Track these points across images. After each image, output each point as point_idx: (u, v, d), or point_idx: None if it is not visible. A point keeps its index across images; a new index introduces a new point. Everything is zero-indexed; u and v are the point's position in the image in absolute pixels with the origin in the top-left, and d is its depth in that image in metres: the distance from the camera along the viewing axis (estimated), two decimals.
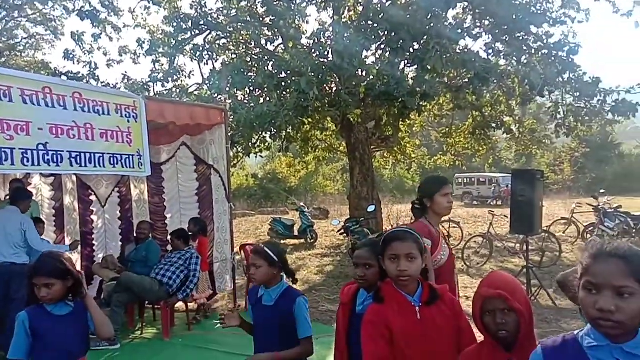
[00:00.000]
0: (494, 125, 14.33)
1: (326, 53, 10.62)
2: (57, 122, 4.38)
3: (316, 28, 11.10)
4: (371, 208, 11.60)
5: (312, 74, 9.44)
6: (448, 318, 2.09)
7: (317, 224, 15.58)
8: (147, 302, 6.37)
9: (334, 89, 11.26)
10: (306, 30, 12.79)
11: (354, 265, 2.56)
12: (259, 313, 2.73)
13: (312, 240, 13.46)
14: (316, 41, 10.73)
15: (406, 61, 10.59)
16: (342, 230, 12.47)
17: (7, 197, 6.66)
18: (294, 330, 2.63)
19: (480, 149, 15.92)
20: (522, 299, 1.82)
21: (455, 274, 3.13)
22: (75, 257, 8.29)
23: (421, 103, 10.34)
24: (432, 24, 9.93)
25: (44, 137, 4.26)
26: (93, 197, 8.02)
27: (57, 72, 12.51)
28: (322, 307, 7.00)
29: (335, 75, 10.63)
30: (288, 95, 10.61)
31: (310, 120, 12.23)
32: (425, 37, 9.90)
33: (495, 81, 11.16)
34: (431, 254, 2.73)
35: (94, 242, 7.97)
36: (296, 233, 14.01)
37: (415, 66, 10.44)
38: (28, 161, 4.15)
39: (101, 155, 4.78)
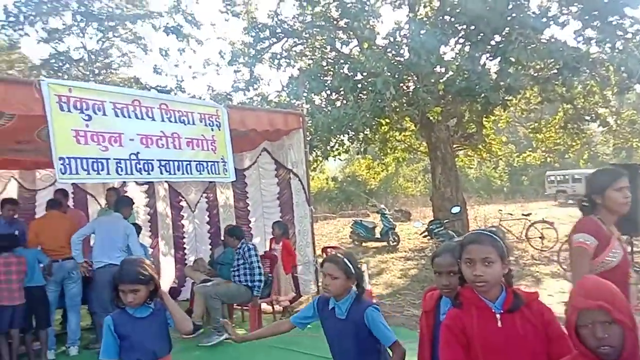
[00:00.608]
0: (587, 117, 13.34)
1: (402, 52, 10.45)
2: (147, 133, 4.65)
3: (391, 27, 10.92)
4: (455, 209, 11.22)
5: (388, 74, 9.32)
6: (534, 327, 1.91)
7: (398, 226, 15.34)
8: (235, 304, 6.59)
9: (412, 87, 11.04)
10: (380, 31, 12.73)
11: (436, 274, 2.41)
12: (331, 325, 2.66)
13: (394, 243, 13.25)
14: (391, 40, 10.60)
15: (487, 54, 10.16)
16: (426, 233, 12.17)
17: (106, 205, 7.21)
18: (370, 339, 2.56)
19: (574, 143, 14.89)
20: (624, 308, 1.62)
21: (629, 281, 2.69)
22: (170, 260, 8.82)
23: (506, 97, 9.87)
24: (514, 14, 9.43)
25: (135, 147, 4.54)
26: (183, 203, 8.48)
27: (147, 86, 13.38)
28: (407, 311, 6.84)
29: (412, 74, 10.43)
30: (364, 96, 10.57)
31: (388, 120, 12.08)
32: (507, 29, 9.44)
33: (587, 70, 10.39)
34: (596, 255, 2.50)
35: (185, 245, 8.42)
36: (378, 235, 13.87)
37: (498, 59, 9.97)
38: (122, 170, 4.44)
39: (188, 162, 5.02)
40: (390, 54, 10.48)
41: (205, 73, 26.89)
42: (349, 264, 2.61)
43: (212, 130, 5.29)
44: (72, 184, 8.64)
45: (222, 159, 5.35)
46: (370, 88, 9.67)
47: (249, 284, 5.98)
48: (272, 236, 6.83)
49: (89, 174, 4.17)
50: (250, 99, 13.35)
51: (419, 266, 10.40)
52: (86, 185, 9.13)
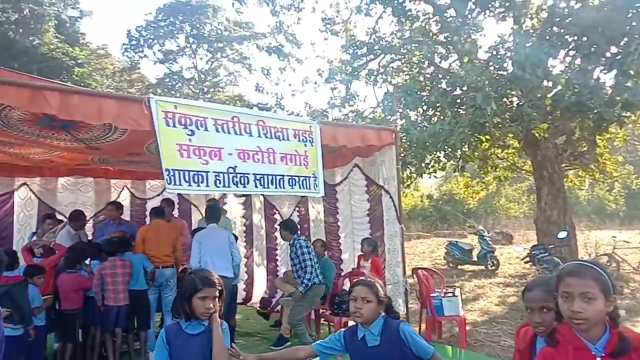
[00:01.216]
0: None
1: (505, 65, 9.96)
2: (244, 148, 4.84)
3: (494, 40, 10.47)
4: (562, 234, 10.38)
5: (490, 89, 8.91)
6: None
7: (498, 249, 14.51)
8: (322, 319, 6.61)
9: (515, 102, 10.47)
10: (482, 44, 12.26)
11: (527, 310, 2.19)
12: (364, 356, 2.52)
13: (493, 267, 12.53)
14: (494, 54, 10.15)
15: (601, 67, 9.33)
16: (527, 258, 11.37)
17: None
18: (412, 356, 2.44)
19: None
20: None
21: None
22: (262, 271, 9.09)
23: (622, 114, 9.00)
24: (633, 23, 8.60)
25: (233, 161, 4.74)
26: (277, 216, 8.70)
27: (250, 104, 14.03)
28: (503, 341, 6.41)
29: (516, 88, 9.89)
30: (463, 112, 10.20)
31: (488, 137, 11.53)
32: (625, 39, 8.62)
33: None
34: None
35: (277, 257, 8.61)
36: (475, 258, 13.22)
37: (614, 72, 9.12)
38: (220, 183, 4.64)
39: (281, 177, 5.14)
40: (492, 68, 10.03)
41: (303, 90, 27.65)
42: (379, 288, 2.55)
43: (305, 145, 5.37)
44: (178, 194, 9.29)
45: (313, 174, 5.41)
46: (469, 103, 9.29)
47: (299, 279, 5.97)
48: (360, 253, 6.75)
49: (190, 185, 4.41)
50: (346, 115, 13.48)
51: (519, 294, 9.70)
52: (190, 196, 9.74)
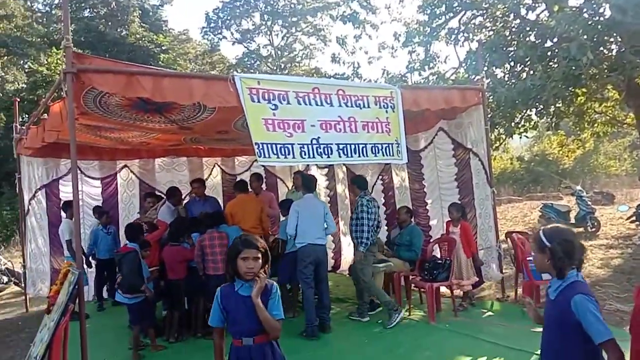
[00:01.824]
0: None
1: (602, 10, 9.06)
2: (326, 119, 4.87)
3: None
4: None
5: (584, 37, 8.17)
6: None
7: (598, 210, 13.53)
8: (413, 285, 6.59)
9: (615, 50, 9.53)
10: None
11: None
12: (546, 305, 2.44)
13: (593, 229, 11.72)
14: None
15: None
16: (634, 218, 10.52)
17: (293, 187, 7.80)
18: (576, 329, 2.20)
19: None
20: None
21: None
22: (349, 240, 9.20)
23: None
24: None
25: (316, 132, 4.79)
26: None
27: (327, 75, 14.01)
28: (609, 305, 6.02)
29: (615, 35, 8.99)
30: (555, 65, 9.47)
31: (584, 90, 10.64)
32: None
33: None
34: None
35: None
36: (572, 221, 12.42)
37: None
38: (305, 154, 4.72)
39: (364, 145, 5.12)
40: (586, 15, 9.17)
41: (380, 57, 27.21)
42: (542, 236, 2.34)
43: (387, 112, 5.29)
44: (264, 168, 9.60)
45: (396, 140, 5.33)
46: (562, 55, 8.59)
47: (357, 240, 5.92)
48: (448, 219, 6.59)
49: (278, 157, 4.54)
50: (426, 78, 13.02)
51: (625, 255, 9.04)
52: (275, 170, 10.03)
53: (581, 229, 12.02)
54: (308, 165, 9.43)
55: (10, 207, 18.09)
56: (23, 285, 8.26)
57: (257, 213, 6.41)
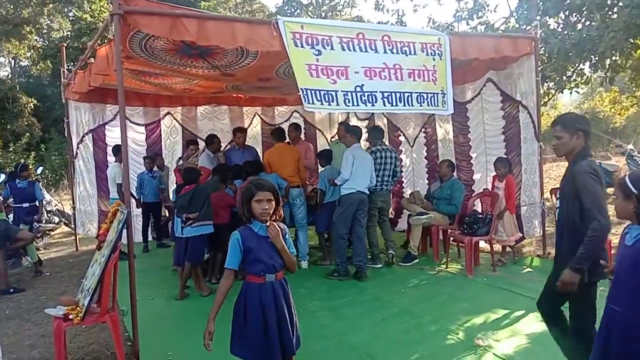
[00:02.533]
0: None
1: None
2: (370, 65, 4.73)
3: None
4: None
5: None
6: None
7: None
8: (451, 239, 6.54)
9: None
10: None
11: None
12: (618, 251, 2.36)
13: None
14: None
15: None
16: None
17: (335, 138, 7.76)
18: None
19: None
20: None
21: None
22: (384, 198, 9.15)
23: None
24: None
25: (360, 79, 4.67)
26: (402, 138, 8.58)
27: (369, 23, 13.53)
28: None
29: None
30: (615, 14, 8.84)
31: None
32: None
33: None
34: None
35: (403, 179, 8.58)
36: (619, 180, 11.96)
37: None
38: (349, 102, 4.63)
39: (409, 94, 4.97)
40: None
41: (426, 5, 25.93)
42: (628, 182, 2.27)
43: (434, 59, 5.10)
44: (304, 119, 9.56)
45: (442, 90, 5.16)
46: (623, 2, 8.00)
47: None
48: (494, 174, 6.43)
49: (322, 104, 4.47)
50: (474, 28, 12.44)
51: None
52: (315, 121, 9.99)
53: None
54: (348, 115, 9.33)
55: (58, 153, 18.80)
56: (73, 225, 8.69)
57: (294, 162, 6.43)
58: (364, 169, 5.85)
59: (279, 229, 2.67)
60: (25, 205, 7.19)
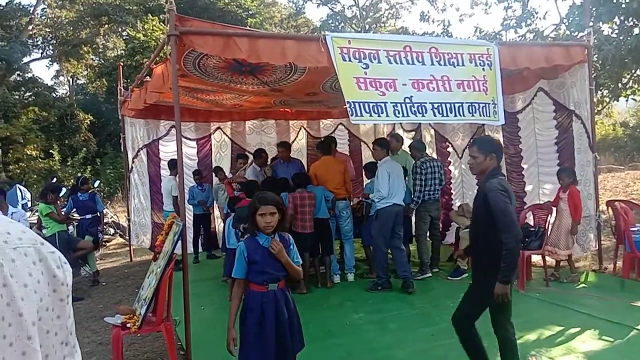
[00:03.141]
0: None
1: None
2: (418, 77, 4.74)
3: None
4: None
5: None
6: None
7: None
8: None
9: None
10: None
11: None
12: None
13: None
14: None
15: None
16: None
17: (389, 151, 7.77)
18: None
19: None
20: None
21: None
22: (437, 205, 9.04)
23: None
24: None
25: (409, 91, 4.68)
26: (450, 149, 8.47)
27: (415, 35, 13.50)
28: None
29: None
30: None
31: None
32: None
33: None
34: None
35: (452, 190, 8.47)
36: None
37: None
38: (399, 113, 4.65)
39: (460, 104, 4.93)
40: None
41: (472, 14, 25.61)
42: None
43: (484, 70, 5.04)
44: (348, 132, 9.62)
45: (492, 100, 5.09)
46: None
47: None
48: (547, 185, 6.22)
49: (371, 115, 4.52)
50: (522, 36, 12.20)
51: None
52: (360, 133, 10.02)
53: None
54: (394, 127, 9.31)
55: (112, 167, 19.62)
56: (127, 237, 9.04)
57: (340, 174, 6.48)
58: (399, 182, 5.88)
59: (281, 244, 2.76)
60: (88, 217, 7.54)
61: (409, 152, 7.00)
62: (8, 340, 0.87)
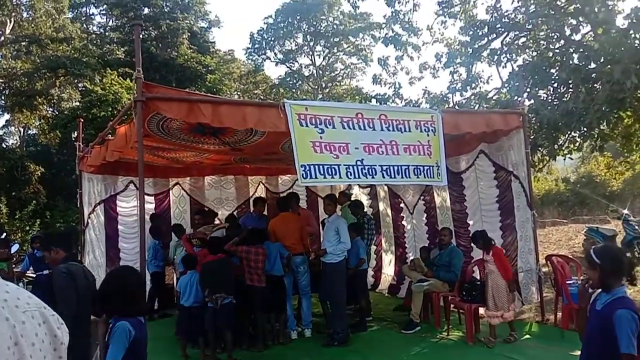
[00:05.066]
0: None
1: None
2: (369, 142, 5.13)
3: (634, 5, 9.47)
4: None
5: (628, 60, 8.14)
6: None
7: None
8: (452, 306, 6.66)
9: None
10: (622, 9, 11.09)
11: None
12: (590, 315, 2.68)
13: None
14: (634, 21, 9.19)
15: None
16: None
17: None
18: (615, 340, 2.44)
19: None
20: None
21: None
22: (390, 258, 9.34)
23: None
24: None
25: (360, 154, 5.05)
26: (402, 205, 8.89)
27: (368, 95, 14.21)
28: None
29: None
30: (599, 87, 9.43)
31: (629, 113, 10.48)
32: None
33: None
34: None
35: (405, 244, 8.81)
36: (619, 245, 12.10)
37: None
38: (351, 174, 4.99)
39: (407, 167, 5.34)
40: (632, 37, 9.11)
41: (421, 77, 26.82)
42: (592, 254, 2.63)
43: (428, 135, 5.50)
44: (306, 188, 9.91)
45: (436, 163, 5.52)
46: (605, 78, 8.57)
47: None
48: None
49: (325, 177, 4.83)
50: (468, 98, 13.07)
51: None
52: (317, 189, 10.33)
53: (628, 255, 11.68)
54: (350, 185, 9.68)
55: (63, 220, 18.99)
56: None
57: (297, 230, 6.66)
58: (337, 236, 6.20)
59: None
60: (45, 272, 7.36)
61: (349, 210, 7.34)
62: None
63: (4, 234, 12.38)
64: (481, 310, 6.41)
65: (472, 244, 7.36)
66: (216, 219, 8.71)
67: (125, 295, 2.72)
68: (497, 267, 5.85)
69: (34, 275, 7.38)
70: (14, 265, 6.84)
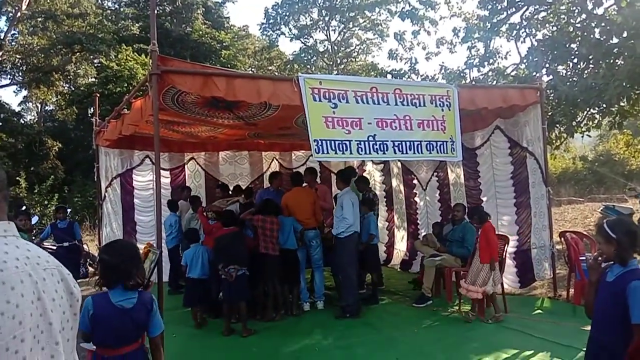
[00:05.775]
0: None
1: None
2: (382, 117, 5.11)
3: None
4: None
5: None
6: None
7: None
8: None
9: None
10: None
11: None
12: (600, 287, 2.66)
13: None
14: None
15: None
16: None
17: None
18: (626, 311, 2.44)
19: None
20: None
21: None
22: (402, 234, 9.39)
23: None
24: None
25: (373, 130, 5.04)
26: (415, 181, 8.89)
27: (383, 71, 14.08)
28: None
29: None
30: (620, 63, 9.21)
31: None
32: None
33: None
34: None
35: (418, 220, 8.83)
36: (636, 223, 11.98)
37: None
38: (362, 150, 4.99)
39: (419, 142, 5.32)
40: None
41: (438, 52, 26.48)
42: (606, 227, 2.60)
43: (442, 110, 5.46)
44: (319, 163, 9.94)
45: (450, 138, 5.49)
46: (627, 53, 8.37)
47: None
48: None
49: (336, 153, 4.83)
50: (485, 74, 12.88)
51: None
52: (330, 165, 10.36)
53: None
54: (364, 161, 9.69)
55: (80, 195, 19.33)
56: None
57: (310, 205, 6.69)
58: (357, 211, 6.26)
59: None
60: (65, 244, 7.56)
61: (355, 185, 7.32)
62: (41, 345, 1.10)
63: (24, 207, 12.69)
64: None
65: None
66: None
67: (105, 268, 2.77)
68: (481, 241, 5.69)
69: (55, 248, 7.57)
70: (33, 238, 7.01)
